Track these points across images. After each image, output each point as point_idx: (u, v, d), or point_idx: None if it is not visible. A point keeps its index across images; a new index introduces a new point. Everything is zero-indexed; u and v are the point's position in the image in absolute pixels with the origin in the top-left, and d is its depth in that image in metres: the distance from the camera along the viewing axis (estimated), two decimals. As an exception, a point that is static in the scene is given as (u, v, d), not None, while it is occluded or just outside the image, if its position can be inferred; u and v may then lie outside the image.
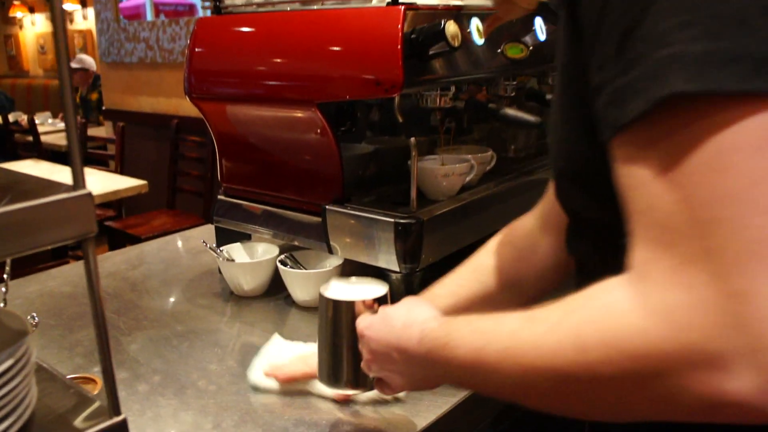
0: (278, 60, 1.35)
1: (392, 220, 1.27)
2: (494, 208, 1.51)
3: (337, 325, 0.99)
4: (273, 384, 1.13)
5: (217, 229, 1.65)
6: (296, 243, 1.47)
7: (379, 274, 1.35)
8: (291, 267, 1.48)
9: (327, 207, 1.37)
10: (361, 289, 1.02)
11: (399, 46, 1.15)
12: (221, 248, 1.55)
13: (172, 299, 1.52)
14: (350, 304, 0.97)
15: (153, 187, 4.23)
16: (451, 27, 1.15)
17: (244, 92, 1.45)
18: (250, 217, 1.55)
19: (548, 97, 1.62)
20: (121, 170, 4.59)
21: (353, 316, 0.96)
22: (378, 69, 1.18)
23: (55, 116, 6.95)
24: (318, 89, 1.29)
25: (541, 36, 1.55)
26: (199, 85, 1.53)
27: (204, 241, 1.52)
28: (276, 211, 1.50)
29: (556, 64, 0.73)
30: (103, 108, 5.53)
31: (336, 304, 0.99)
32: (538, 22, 1.55)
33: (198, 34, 1.52)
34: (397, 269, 1.29)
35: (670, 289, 0.53)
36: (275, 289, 1.52)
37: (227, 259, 1.50)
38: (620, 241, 0.59)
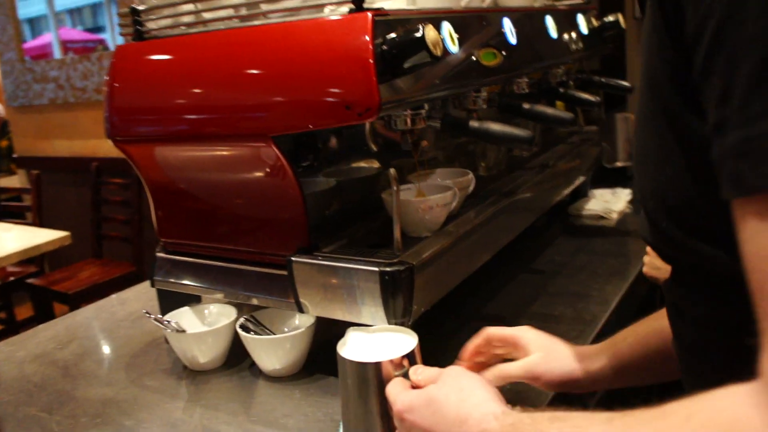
0: (220, 89, 1.13)
1: (377, 269, 1.06)
2: (483, 237, 1.31)
3: (362, 390, 0.86)
4: None
5: (159, 292, 1.40)
6: (255, 302, 1.24)
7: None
8: (254, 332, 1.25)
9: (293, 259, 1.15)
10: (384, 341, 0.90)
11: (371, 61, 0.94)
12: (167, 317, 1.31)
13: (114, 384, 1.26)
14: (376, 366, 0.84)
15: (76, 236, 3.91)
16: (431, 33, 0.95)
17: (179, 130, 1.22)
18: (198, 276, 1.32)
19: (525, 106, 1.43)
20: (41, 222, 4.24)
21: (381, 379, 0.84)
22: (347, 90, 0.97)
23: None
24: (273, 120, 1.07)
25: (512, 39, 1.37)
26: (124, 126, 1.29)
27: (146, 312, 1.27)
28: (229, 266, 1.27)
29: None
30: (14, 155, 5.15)
31: (359, 367, 0.85)
32: (507, 24, 1.37)
33: (117, 66, 1.29)
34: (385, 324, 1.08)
35: None
36: (236, 357, 1.29)
37: (177, 330, 1.26)
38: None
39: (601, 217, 2.02)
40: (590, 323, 1.33)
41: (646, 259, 1.38)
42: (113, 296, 1.77)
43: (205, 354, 1.25)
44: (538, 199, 1.63)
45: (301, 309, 1.17)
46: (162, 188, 1.34)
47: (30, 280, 3.90)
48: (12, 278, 4.02)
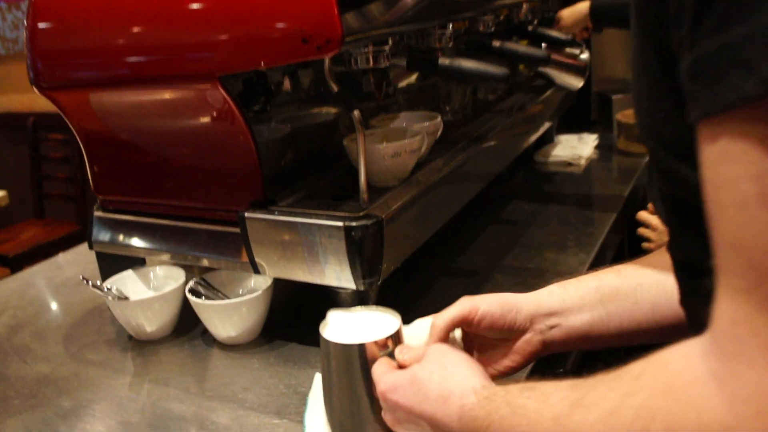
0: (157, 22, 0.99)
1: (341, 223, 0.95)
2: (453, 186, 1.21)
3: (348, 372, 0.79)
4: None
5: (98, 255, 1.27)
6: (206, 263, 1.13)
7: (324, 292, 1.03)
8: (205, 296, 1.13)
9: (246, 214, 1.03)
10: (366, 322, 0.84)
11: (330, -16, 0.82)
12: (108, 282, 1.18)
13: (51, 360, 1.14)
14: (361, 348, 0.78)
15: (16, 196, 3.71)
16: (398, -49, 0.82)
17: (113, 73, 1.08)
18: (142, 236, 1.19)
19: (495, 44, 1.32)
20: (-25, 181, 4.00)
21: (366, 360, 0.78)
22: (304, 20, 0.84)
23: None
24: (219, 58, 0.94)
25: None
26: (50, 71, 1.14)
27: (83, 278, 1.14)
28: (176, 225, 1.15)
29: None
30: (-55, 112, 4.85)
31: (344, 348, 0.79)
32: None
33: (39, 2, 1.13)
34: (353, 286, 0.97)
35: None
36: (186, 324, 1.17)
37: (118, 297, 1.13)
38: None
39: (569, 164, 1.94)
40: (570, 276, 1.24)
41: (645, 232, 1.33)
42: (51, 260, 1.63)
43: (152, 322, 1.13)
44: (509, 145, 1.52)
45: (256, 270, 1.06)
46: (97, 140, 1.20)
47: (-32, 242, 3.70)
48: (-52, 240, 3.79)
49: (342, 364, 0.79)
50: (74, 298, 1.36)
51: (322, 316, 1.00)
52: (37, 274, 1.54)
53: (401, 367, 0.76)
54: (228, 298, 1.15)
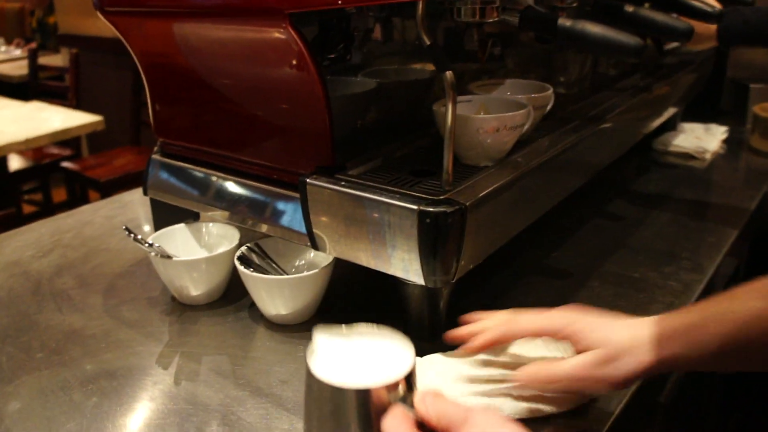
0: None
1: (415, 206, 0.78)
2: (557, 173, 1.03)
3: (341, 423, 0.58)
4: None
5: (152, 203, 1.16)
6: (263, 229, 0.99)
7: (387, 284, 0.88)
8: (257, 263, 1.00)
9: (308, 180, 0.88)
10: (368, 349, 0.63)
11: None
12: (157, 235, 1.07)
13: (86, 311, 1.04)
14: (365, 394, 0.57)
15: (116, 121, 3.71)
16: None
17: (178, 0, 0.94)
18: (197, 188, 1.06)
19: (628, 9, 1.11)
20: (78, 104, 4.03)
21: (368, 411, 0.57)
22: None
23: (8, 42, 6.29)
24: (290, -10, 0.78)
25: None
26: (115, -7, 1.02)
27: (127, 228, 1.03)
28: (234, 180, 1.02)
29: None
30: (59, 33, 4.92)
31: (337, 393, 0.57)
32: None
33: None
34: (421, 281, 0.82)
35: None
36: (236, 291, 1.04)
37: (163, 255, 1.01)
38: None
39: (692, 157, 1.70)
40: (680, 295, 1.05)
41: None
42: (116, 197, 1.54)
43: (198, 285, 1.01)
44: (628, 130, 1.32)
45: (315, 245, 0.91)
46: (159, 76, 1.08)
47: (64, 164, 3.74)
48: (47, 160, 3.85)
49: (335, 411, 0.59)
50: (128, 244, 1.25)
51: (388, 304, 0.85)
52: (99, 211, 1.44)
53: (422, 423, 0.57)
54: (283, 270, 1.01)
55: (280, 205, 0.95)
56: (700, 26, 1.29)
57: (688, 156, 1.71)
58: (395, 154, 0.99)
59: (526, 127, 0.96)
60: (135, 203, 1.49)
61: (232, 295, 1.05)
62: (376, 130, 1.03)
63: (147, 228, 1.32)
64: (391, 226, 0.81)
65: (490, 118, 0.91)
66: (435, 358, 0.82)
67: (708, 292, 1.12)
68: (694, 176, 1.60)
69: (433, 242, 0.78)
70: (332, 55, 0.89)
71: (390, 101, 1.06)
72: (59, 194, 4.12)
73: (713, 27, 1.33)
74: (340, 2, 0.73)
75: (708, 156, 1.71)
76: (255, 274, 0.94)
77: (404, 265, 0.81)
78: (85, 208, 1.47)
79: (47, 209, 3.87)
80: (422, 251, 0.79)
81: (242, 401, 0.81)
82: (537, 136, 1.04)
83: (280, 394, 0.83)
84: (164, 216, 1.14)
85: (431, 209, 0.77)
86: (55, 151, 3.95)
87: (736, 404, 1.73)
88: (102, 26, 4.45)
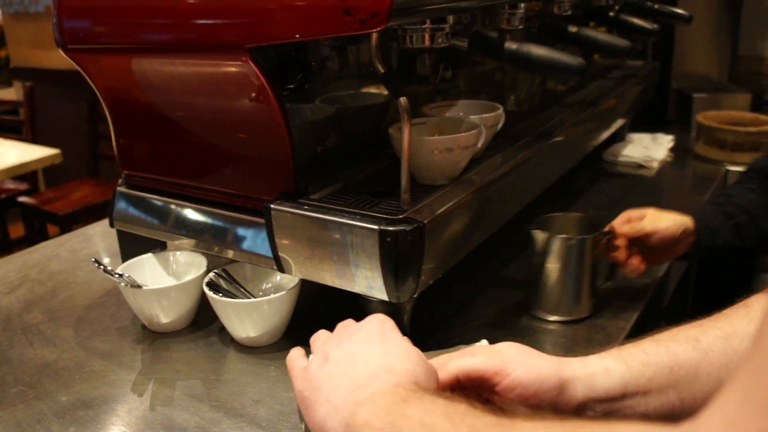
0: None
1: (376, 226, 0.82)
2: (511, 188, 1.08)
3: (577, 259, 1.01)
4: None
5: (119, 234, 1.18)
6: (230, 255, 1.02)
7: (353, 301, 0.92)
8: (225, 288, 1.03)
9: (272, 206, 0.91)
10: None
11: (380, -53, 0.69)
12: (126, 265, 1.09)
13: (58, 345, 1.05)
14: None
15: (72, 154, 3.69)
16: None
17: (140, 38, 0.97)
18: (163, 218, 1.09)
19: (572, 29, 1.17)
20: (33, 138, 4.00)
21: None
22: (346, -13, 0.72)
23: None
24: (250, 27, 0.82)
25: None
26: (75, 31, 1.04)
27: (96, 260, 1.05)
28: (200, 209, 1.04)
29: None
30: (11, 66, 4.88)
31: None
32: None
33: (67, -45, 1.03)
34: (385, 297, 0.85)
35: None
36: (206, 317, 1.07)
37: (132, 285, 1.03)
38: None
39: (641, 166, 1.77)
40: (632, 299, 1.10)
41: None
42: (80, 230, 1.55)
43: (168, 313, 1.04)
44: (577, 143, 1.38)
45: (281, 268, 0.94)
46: (122, 110, 1.10)
47: (21, 199, 3.70)
48: (3, 195, 3.81)
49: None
50: (95, 276, 1.27)
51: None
52: (63, 245, 1.46)
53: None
54: (251, 294, 1.04)
55: (245, 231, 0.98)
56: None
57: (637, 165, 1.78)
58: (355, 177, 1.03)
59: (479, 145, 1.01)
60: (98, 236, 1.50)
61: (202, 321, 1.08)
62: (336, 154, 1.07)
63: (110, 260, 1.33)
64: (353, 246, 0.84)
65: (443, 139, 0.95)
66: None
67: (660, 292, 1.18)
68: (644, 184, 1.67)
69: (395, 260, 0.82)
70: (291, 86, 0.92)
71: (348, 126, 1.10)
72: (16, 230, 4.07)
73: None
74: (297, 36, 0.77)
75: (656, 165, 1.78)
76: (223, 298, 0.97)
77: (368, 282, 0.85)
78: (49, 243, 1.48)
79: (5, 245, 3.82)
80: (384, 269, 0.82)
81: (218, 422, 0.84)
82: (490, 153, 1.08)
83: (254, 413, 0.85)
84: (131, 247, 1.16)
85: (391, 228, 0.81)
86: (11, 186, 3.90)
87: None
88: (55, 59, 4.41)
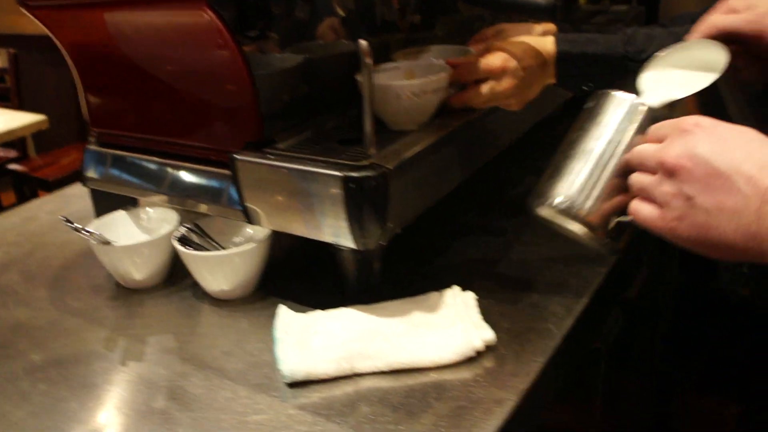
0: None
1: (339, 173, 0.81)
2: (484, 133, 1.06)
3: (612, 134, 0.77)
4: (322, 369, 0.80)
5: (92, 193, 1.17)
6: (202, 209, 1.01)
7: (324, 250, 0.91)
8: (198, 243, 1.02)
9: (236, 156, 0.90)
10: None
11: None
12: (97, 222, 1.08)
13: (32, 304, 1.05)
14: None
15: (61, 119, 3.66)
16: None
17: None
18: (133, 175, 1.08)
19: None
20: (20, 105, 3.97)
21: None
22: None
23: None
24: (201, -29, 0.80)
25: None
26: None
27: (66, 218, 1.04)
28: (168, 163, 1.03)
29: None
30: (-6, 33, 4.82)
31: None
32: None
33: None
34: (352, 245, 0.85)
35: None
36: (180, 272, 1.06)
37: (103, 242, 1.02)
38: None
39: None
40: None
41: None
42: (59, 192, 1.54)
43: (141, 270, 1.03)
44: (554, 88, 1.35)
45: (250, 220, 0.94)
46: (88, 67, 1.08)
47: (11, 166, 3.69)
48: (-8, 163, 3.79)
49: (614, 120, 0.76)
50: (72, 236, 1.24)
51: (327, 272, 0.89)
52: (43, 207, 1.45)
53: None
54: (222, 247, 1.03)
55: (215, 184, 0.97)
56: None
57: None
58: (325, 126, 1.01)
59: (450, 90, 0.99)
60: (78, 197, 1.49)
61: (177, 277, 1.07)
62: (306, 104, 1.05)
63: (87, 221, 1.32)
64: (318, 194, 0.83)
65: (411, 83, 0.93)
66: (310, 314, 0.88)
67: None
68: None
69: (359, 206, 0.81)
70: (252, 34, 0.90)
71: (320, 75, 1.08)
72: (8, 197, 4.06)
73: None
74: (248, -21, 0.75)
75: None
76: (194, 252, 0.97)
77: (335, 231, 0.84)
78: (29, 205, 1.47)
79: (-3, 213, 3.81)
80: (350, 216, 0.81)
81: (187, 375, 0.84)
82: (461, 99, 1.06)
83: (223, 364, 0.85)
84: (106, 205, 1.14)
85: (355, 174, 0.80)
86: (0, 153, 3.89)
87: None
88: (39, 24, 4.33)
